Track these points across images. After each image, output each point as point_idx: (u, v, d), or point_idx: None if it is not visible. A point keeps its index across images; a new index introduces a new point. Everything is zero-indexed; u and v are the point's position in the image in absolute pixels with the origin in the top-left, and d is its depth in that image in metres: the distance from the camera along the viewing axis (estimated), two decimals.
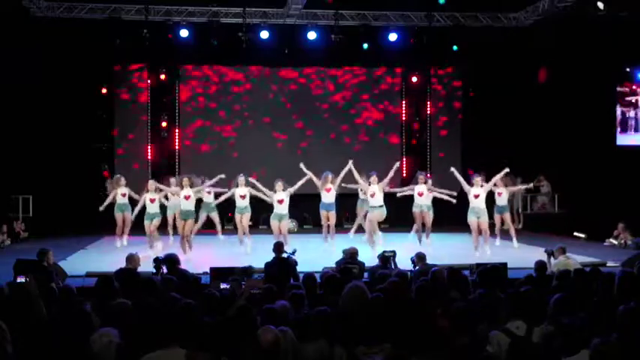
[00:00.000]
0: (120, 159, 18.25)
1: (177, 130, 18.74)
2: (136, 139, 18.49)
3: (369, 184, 13.23)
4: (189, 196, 12.96)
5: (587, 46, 16.33)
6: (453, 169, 13.20)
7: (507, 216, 14.17)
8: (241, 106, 18.87)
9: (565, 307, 5.38)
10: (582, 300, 5.74)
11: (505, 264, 8.86)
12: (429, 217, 13.88)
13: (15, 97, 16.67)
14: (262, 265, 8.96)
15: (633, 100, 17.41)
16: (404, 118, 19.50)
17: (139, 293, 6.34)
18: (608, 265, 11.23)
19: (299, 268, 8.92)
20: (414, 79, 19.35)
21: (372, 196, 13.10)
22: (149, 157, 18.46)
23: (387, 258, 9.26)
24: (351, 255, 9.36)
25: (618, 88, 17.59)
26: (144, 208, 13.88)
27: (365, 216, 14.05)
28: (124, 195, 14.40)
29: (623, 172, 16.28)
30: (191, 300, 5.19)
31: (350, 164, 13.80)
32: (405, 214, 14.80)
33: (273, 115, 18.91)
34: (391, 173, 13.24)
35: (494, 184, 13.41)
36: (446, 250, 13.07)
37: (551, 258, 9.37)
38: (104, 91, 18.05)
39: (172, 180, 14.22)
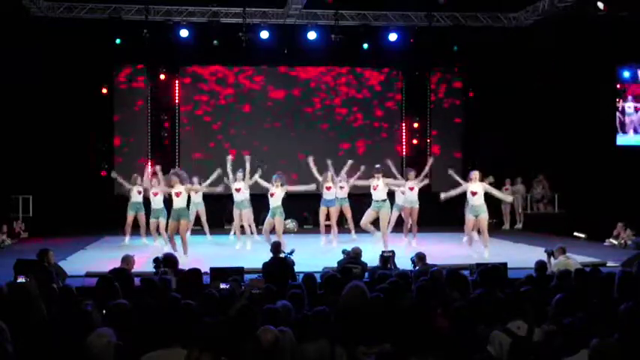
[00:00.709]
0: (120, 159, 18.25)
1: (177, 130, 18.76)
2: (136, 139, 18.49)
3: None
4: (179, 193, 12.32)
5: (587, 46, 16.33)
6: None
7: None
8: (241, 106, 18.87)
9: (566, 307, 5.38)
10: (582, 300, 5.74)
11: (505, 264, 8.86)
12: (416, 213, 13.98)
13: (15, 97, 16.68)
14: (256, 266, 8.98)
15: (634, 101, 17.39)
16: (403, 118, 19.50)
17: (132, 294, 6.34)
18: (608, 265, 11.21)
19: (298, 268, 8.91)
20: (414, 79, 19.35)
21: (375, 189, 13.30)
22: (149, 157, 18.45)
23: (386, 258, 9.26)
24: (355, 255, 9.36)
25: (618, 88, 17.58)
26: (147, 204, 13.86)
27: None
28: (139, 192, 14.24)
29: (623, 172, 16.28)
30: (191, 300, 5.20)
31: (348, 164, 14.05)
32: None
33: (273, 115, 18.91)
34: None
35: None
36: (446, 250, 13.06)
37: (551, 258, 9.36)
38: (104, 91, 18.06)
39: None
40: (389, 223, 13.69)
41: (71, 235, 15.70)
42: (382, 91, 19.43)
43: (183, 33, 17.07)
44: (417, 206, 13.91)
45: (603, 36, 15.65)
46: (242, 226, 14.10)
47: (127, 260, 8.40)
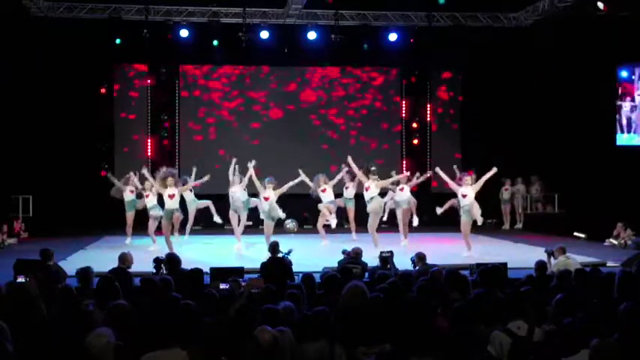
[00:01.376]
0: (120, 159, 18.24)
1: (177, 130, 18.76)
2: (136, 139, 18.49)
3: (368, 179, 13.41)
4: (173, 195, 12.64)
5: (587, 47, 16.32)
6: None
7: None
8: (241, 105, 18.87)
9: (566, 307, 5.38)
10: (582, 300, 5.74)
11: (505, 264, 8.86)
12: (405, 213, 14.04)
13: (15, 97, 16.67)
14: (256, 266, 8.98)
15: (633, 101, 17.37)
16: (403, 118, 19.50)
17: (130, 293, 6.34)
18: (608, 265, 11.22)
19: (298, 268, 8.91)
20: (414, 79, 19.35)
21: (367, 189, 13.32)
22: (149, 157, 18.45)
23: (385, 259, 9.26)
24: (355, 255, 9.36)
25: (618, 88, 17.55)
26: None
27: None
28: (132, 192, 14.36)
29: (623, 173, 16.27)
30: (190, 300, 5.19)
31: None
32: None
33: (272, 115, 18.91)
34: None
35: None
36: (445, 250, 13.06)
37: (551, 258, 9.36)
38: (104, 91, 18.06)
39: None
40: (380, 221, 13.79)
41: (71, 235, 15.69)
42: (382, 91, 19.42)
43: (183, 33, 17.08)
44: (407, 206, 14.01)
45: (603, 36, 15.65)
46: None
47: (124, 258, 8.39)
